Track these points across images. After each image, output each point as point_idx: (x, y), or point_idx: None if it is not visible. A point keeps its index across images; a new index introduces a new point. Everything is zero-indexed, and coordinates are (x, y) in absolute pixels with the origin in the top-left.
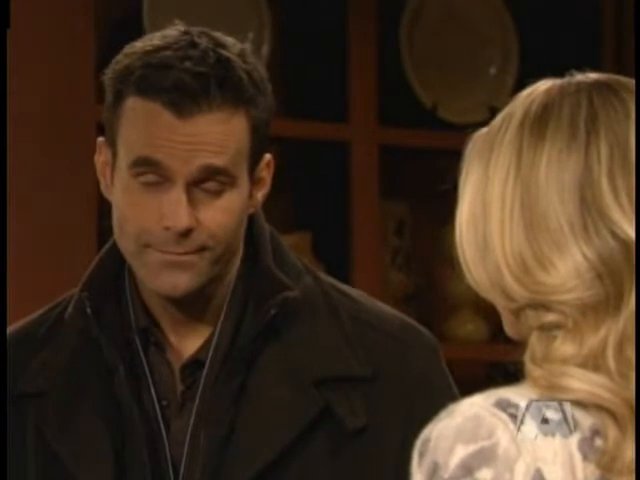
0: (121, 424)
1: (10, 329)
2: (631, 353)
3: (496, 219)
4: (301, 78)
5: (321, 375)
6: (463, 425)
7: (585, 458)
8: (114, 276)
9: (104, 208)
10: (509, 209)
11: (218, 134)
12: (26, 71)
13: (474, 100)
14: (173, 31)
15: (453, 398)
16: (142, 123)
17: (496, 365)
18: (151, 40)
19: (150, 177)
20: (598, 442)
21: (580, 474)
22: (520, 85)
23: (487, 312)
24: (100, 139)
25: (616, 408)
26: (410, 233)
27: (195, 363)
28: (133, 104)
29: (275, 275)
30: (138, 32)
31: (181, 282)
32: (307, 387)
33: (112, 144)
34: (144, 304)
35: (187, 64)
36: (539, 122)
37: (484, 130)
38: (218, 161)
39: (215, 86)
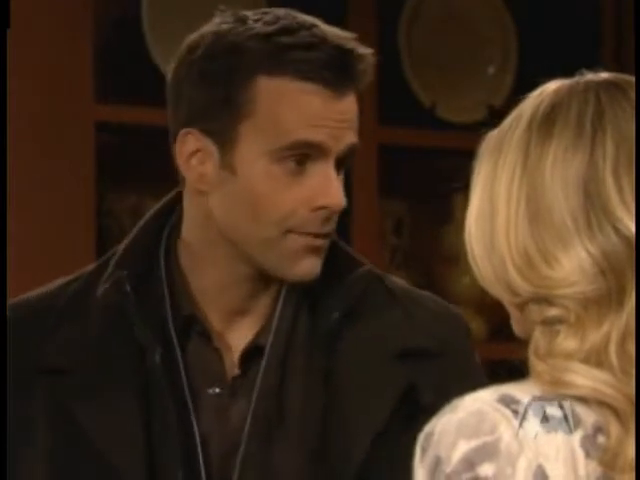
0: (151, 401)
1: (15, 301)
2: (633, 349)
3: (502, 215)
4: None
5: (401, 348)
6: (466, 420)
7: (587, 455)
8: (148, 261)
9: (104, 208)
10: (515, 205)
11: (356, 111)
12: (26, 71)
13: (473, 99)
14: (259, 14)
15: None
16: (296, 105)
17: (495, 364)
18: (255, 23)
19: (298, 159)
20: (601, 439)
21: (582, 471)
22: (519, 85)
23: (487, 311)
24: (187, 129)
25: (618, 405)
26: (409, 232)
27: (254, 349)
28: (283, 86)
29: (346, 251)
30: (137, 32)
31: (315, 267)
32: (390, 362)
33: (223, 132)
34: (188, 292)
35: (332, 43)
36: (547, 121)
37: (496, 130)
38: (356, 138)
39: (357, 63)
